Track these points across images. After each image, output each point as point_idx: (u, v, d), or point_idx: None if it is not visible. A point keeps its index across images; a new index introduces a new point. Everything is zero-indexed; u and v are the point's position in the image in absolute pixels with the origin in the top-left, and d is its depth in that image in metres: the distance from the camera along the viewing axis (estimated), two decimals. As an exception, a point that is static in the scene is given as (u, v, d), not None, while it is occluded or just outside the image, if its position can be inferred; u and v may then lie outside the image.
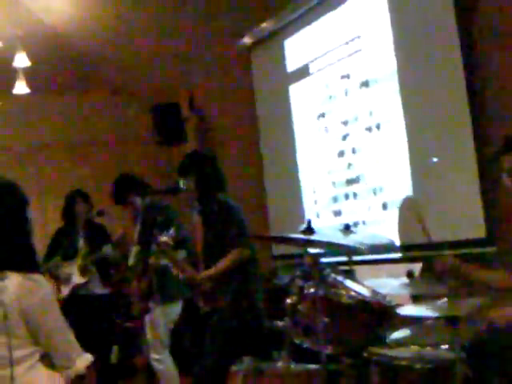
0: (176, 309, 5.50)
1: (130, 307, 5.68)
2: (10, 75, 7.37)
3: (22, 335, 2.71)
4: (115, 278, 6.85)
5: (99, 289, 6.71)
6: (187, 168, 4.89)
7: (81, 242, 6.70)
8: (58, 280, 6.60)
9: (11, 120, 8.89)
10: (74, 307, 6.32)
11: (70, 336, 2.85)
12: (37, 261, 2.92)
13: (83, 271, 6.55)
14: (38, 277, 2.77)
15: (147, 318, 5.44)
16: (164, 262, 5.04)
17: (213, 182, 4.83)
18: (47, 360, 2.80)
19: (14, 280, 2.70)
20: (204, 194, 4.84)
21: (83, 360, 2.84)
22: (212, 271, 4.70)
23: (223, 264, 4.64)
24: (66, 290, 6.58)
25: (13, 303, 2.67)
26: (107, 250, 6.53)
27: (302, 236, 3.62)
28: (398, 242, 5.27)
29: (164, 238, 4.68)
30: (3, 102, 8.08)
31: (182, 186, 4.85)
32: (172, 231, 4.74)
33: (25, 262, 2.76)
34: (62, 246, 6.67)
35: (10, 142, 8.89)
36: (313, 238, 3.58)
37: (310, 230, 3.65)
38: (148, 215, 5.44)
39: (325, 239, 3.74)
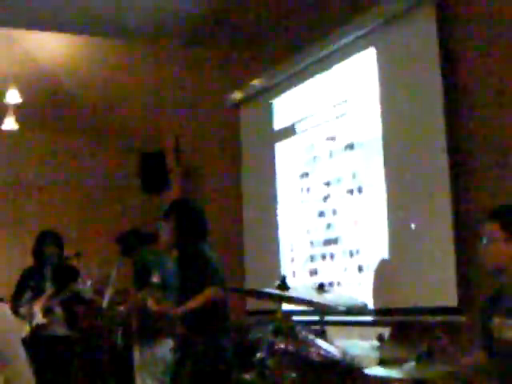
0: (161, 347, 5.43)
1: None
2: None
3: None
4: (85, 321, 6.78)
5: (62, 330, 6.59)
6: (169, 213, 4.96)
7: (48, 283, 6.64)
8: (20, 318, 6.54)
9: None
10: (33, 347, 6.28)
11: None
12: None
13: (46, 312, 6.46)
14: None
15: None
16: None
17: (192, 229, 4.85)
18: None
19: None
20: (181, 239, 4.87)
21: None
22: (186, 306, 4.66)
23: (197, 300, 4.61)
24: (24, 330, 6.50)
25: None
26: (78, 286, 6.46)
27: (276, 291, 3.65)
28: (370, 305, 5.30)
29: (155, 279, 4.87)
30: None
31: (160, 229, 4.95)
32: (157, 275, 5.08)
33: None
34: (28, 286, 6.58)
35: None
36: (286, 294, 3.60)
37: (284, 285, 3.69)
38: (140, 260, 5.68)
39: (299, 296, 3.77)
